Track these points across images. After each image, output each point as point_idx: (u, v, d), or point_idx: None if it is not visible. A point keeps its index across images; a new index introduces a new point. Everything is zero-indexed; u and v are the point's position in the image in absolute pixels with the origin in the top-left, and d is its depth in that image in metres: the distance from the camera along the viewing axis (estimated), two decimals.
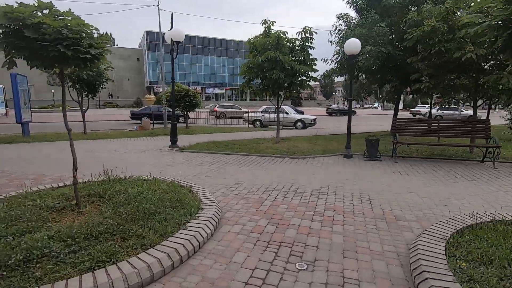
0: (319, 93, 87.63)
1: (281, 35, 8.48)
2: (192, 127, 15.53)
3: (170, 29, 8.87)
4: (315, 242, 2.98)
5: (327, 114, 35.97)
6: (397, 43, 10.63)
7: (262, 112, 17.58)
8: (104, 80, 12.50)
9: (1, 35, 2.63)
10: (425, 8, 8.23)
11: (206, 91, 62.83)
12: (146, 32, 56.56)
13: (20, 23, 2.54)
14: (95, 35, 3.00)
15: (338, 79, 14.85)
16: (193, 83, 55.70)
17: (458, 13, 7.78)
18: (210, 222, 3.19)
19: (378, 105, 63.54)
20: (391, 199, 4.31)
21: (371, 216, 3.68)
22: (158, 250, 2.56)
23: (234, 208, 3.90)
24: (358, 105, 67.95)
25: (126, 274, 2.20)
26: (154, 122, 16.15)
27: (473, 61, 6.62)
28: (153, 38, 55.99)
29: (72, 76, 11.38)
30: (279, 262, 2.61)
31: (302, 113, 21.36)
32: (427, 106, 19.73)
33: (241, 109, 26.66)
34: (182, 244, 2.67)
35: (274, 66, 8.31)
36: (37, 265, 2.25)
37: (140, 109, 23.01)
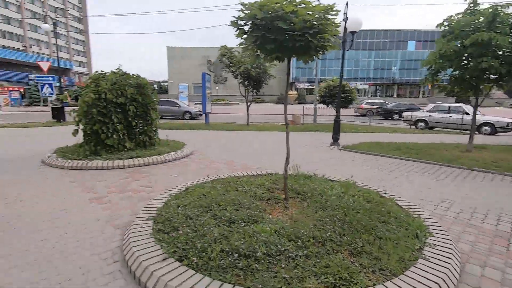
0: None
1: (499, 9, 6.34)
2: (343, 124, 14.73)
3: (343, 20, 8.31)
4: None
5: None
6: None
7: (428, 111, 14.63)
8: (268, 76, 13.53)
9: (251, 29, 2.73)
10: None
11: None
12: None
13: (272, 15, 2.52)
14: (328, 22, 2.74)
15: None
16: None
17: None
18: (455, 257, 2.41)
19: None
20: None
21: None
22: (405, 282, 2.03)
23: (465, 240, 2.93)
24: None
25: None
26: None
27: None
28: None
29: (243, 73, 12.90)
30: None
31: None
32: None
33: None
34: (436, 283, 2.04)
35: (483, 52, 6.34)
36: (281, 265, 2.16)
37: (390, 105, 21.96)
